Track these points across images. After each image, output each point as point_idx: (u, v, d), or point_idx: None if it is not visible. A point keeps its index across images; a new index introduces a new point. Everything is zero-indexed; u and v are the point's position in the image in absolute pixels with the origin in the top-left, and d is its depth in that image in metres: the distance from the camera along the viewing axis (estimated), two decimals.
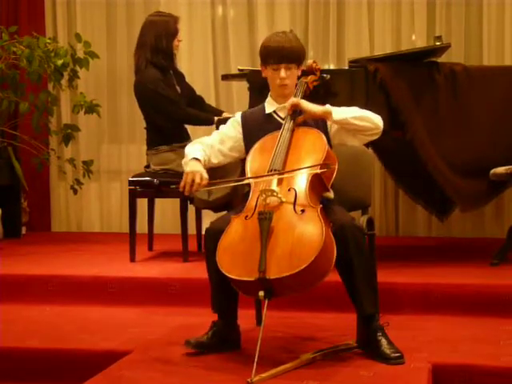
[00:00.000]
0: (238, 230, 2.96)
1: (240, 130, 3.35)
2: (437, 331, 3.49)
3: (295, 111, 3.23)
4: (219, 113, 4.92)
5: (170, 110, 4.69)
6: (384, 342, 3.00)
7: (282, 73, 3.23)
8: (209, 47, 5.91)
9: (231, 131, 3.37)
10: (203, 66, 5.91)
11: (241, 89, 5.34)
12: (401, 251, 5.12)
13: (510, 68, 4.94)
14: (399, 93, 4.21)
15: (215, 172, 3.36)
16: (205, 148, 3.28)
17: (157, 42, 4.69)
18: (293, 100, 3.23)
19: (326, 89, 3.67)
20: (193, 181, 3.09)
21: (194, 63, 5.86)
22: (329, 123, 3.24)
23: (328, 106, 3.21)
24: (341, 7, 5.72)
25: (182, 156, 4.87)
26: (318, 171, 3.04)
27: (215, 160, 3.32)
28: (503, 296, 3.74)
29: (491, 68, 4.93)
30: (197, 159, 3.19)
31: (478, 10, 5.55)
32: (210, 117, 4.78)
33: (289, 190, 3.01)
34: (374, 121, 3.19)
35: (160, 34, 4.69)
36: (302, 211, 2.93)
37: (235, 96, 5.85)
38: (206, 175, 3.12)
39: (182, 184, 3.11)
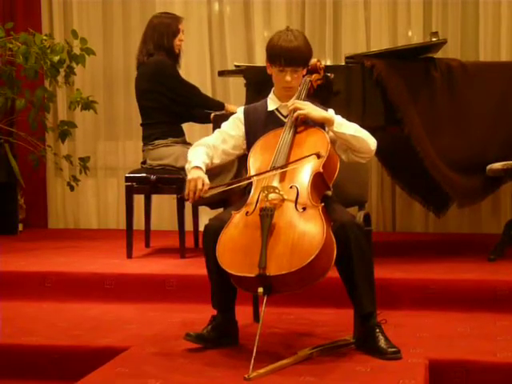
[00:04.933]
0: (239, 225, 2.97)
1: (242, 127, 3.32)
2: (434, 327, 3.50)
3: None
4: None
5: (193, 94, 4.85)
6: (381, 338, 3.01)
7: (288, 77, 3.19)
8: (205, 44, 5.90)
9: (233, 130, 3.34)
10: (200, 62, 5.90)
11: (237, 85, 5.32)
12: (398, 247, 5.12)
13: (506, 64, 4.94)
14: (396, 89, 4.20)
15: (211, 169, 3.35)
16: (207, 150, 3.26)
17: (159, 40, 4.80)
18: (295, 106, 3.18)
19: (329, 88, 3.66)
20: (195, 187, 3.09)
21: (191, 59, 5.85)
22: (327, 128, 3.23)
23: (332, 114, 3.20)
24: (337, 3, 5.70)
25: (179, 150, 4.86)
26: (321, 169, 3.03)
27: (217, 160, 3.31)
28: (500, 291, 3.75)
29: (487, 64, 4.93)
30: (198, 167, 3.17)
31: (474, 5, 5.55)
32: (220, 102, 4.99)
33: (290, 187, 3.01)
34: (368, 145, 3.16)
35: (162, 32, 4.81)
36: (304, 209, 2.93)
37: (232, 92, 5.85)
38: (207, 181, 3.12)
39: (186, 192, 3.12)
